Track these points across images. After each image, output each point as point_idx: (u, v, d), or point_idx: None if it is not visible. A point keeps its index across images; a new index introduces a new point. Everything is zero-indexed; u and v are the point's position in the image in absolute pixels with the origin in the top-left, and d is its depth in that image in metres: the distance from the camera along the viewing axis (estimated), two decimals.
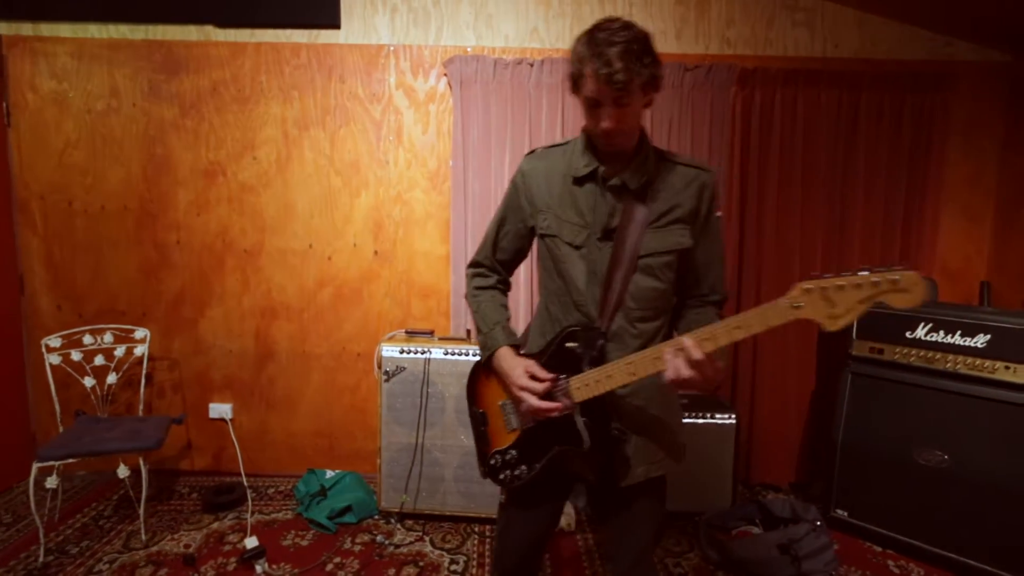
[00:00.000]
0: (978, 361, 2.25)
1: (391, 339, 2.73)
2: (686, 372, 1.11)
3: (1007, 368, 2.19)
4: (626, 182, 1.26)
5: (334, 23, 2.90)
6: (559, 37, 2.95)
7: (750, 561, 2.26)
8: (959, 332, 2.30)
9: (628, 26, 1.16)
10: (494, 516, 2.62)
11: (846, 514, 2.52)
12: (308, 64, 2.93)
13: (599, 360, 1.25)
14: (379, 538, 2.50)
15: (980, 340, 2.25)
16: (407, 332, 2.79)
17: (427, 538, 2.52)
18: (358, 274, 3.02)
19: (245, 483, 2.90)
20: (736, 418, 2.63)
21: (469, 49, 2.91)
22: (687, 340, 1.12)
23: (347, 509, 2.64)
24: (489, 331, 1.40)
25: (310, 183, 2.98)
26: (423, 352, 2.60)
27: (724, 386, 2.96)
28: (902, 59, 2.97)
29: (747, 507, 2.55)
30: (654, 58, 1.18)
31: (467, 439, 2.59)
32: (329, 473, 2.85)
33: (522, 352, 1.37)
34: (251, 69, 2.92)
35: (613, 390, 1.24)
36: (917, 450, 2.35)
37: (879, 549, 2.45)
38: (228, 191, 2.97)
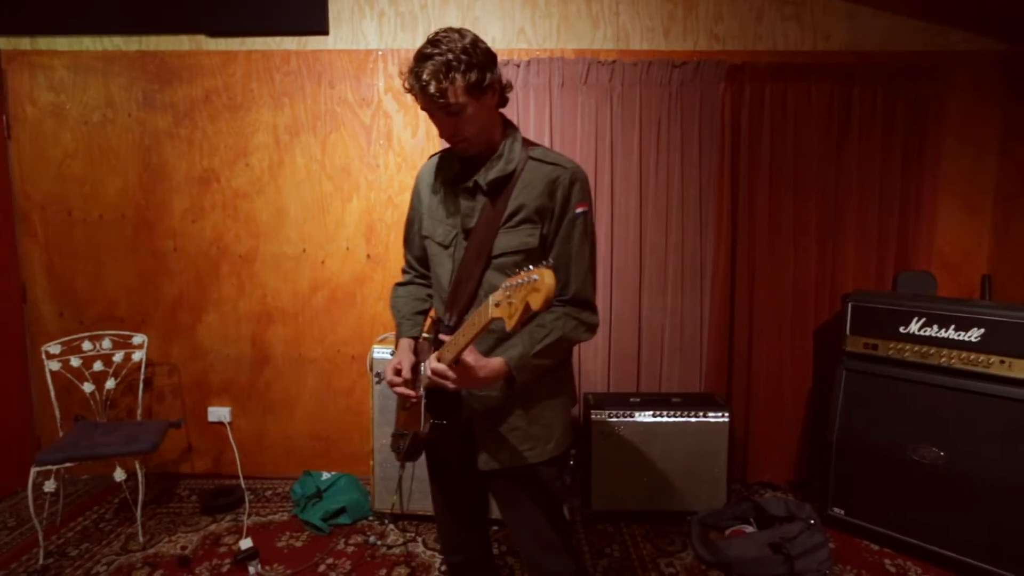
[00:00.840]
0: (972, 356, 2.21)
1: (383, 341, 2.74)
2: (437, 381, 1.21)
3: (1002, 362, 2.15)
4: (478, 183, 1.32)
5: (322, 29, 2.93)
6: (546, 37, 2.96)
7: (742, 560, 2.23)
8: (952, 326, 2.26)
9: (448, 37, 1.22)
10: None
11: (842, 512, 2.48)
12: (298, 71, 2.96)
13: None
14: (372, 539, 2.51)
15: (974, 334, 2.21)
16: None
17: (419, 539, 2.53)
18: (351, 277, 3.04)
19: (243, 485, 2.93)
20: (730, 416, 2.61)
21: None
22: (444, 349, 1.22)
23: (341, 511, 2.66)
24: (398, 324, 1.52)
25: (302, 188, 3.01)
26: None
27: (719, 384, 2.93)
28: (894, 50, 2.93)
29: (741, 506, 2.52)
30: (478, 63, 1.22)
31: None
32: (325, 475, 2.87)
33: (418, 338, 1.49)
34: (242, 77, 2.95)
35: None
36: (912, 446, 2.31)
37: (876, 547, 2.41)
38: (222, 198, 3.01)
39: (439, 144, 2.94)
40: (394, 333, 1.56)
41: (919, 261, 2.92)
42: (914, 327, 2.34)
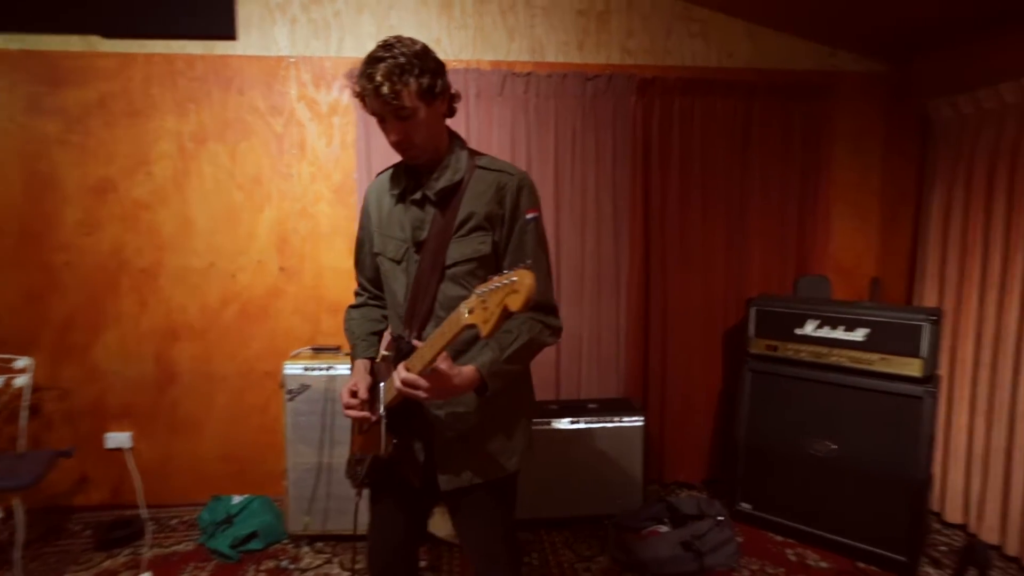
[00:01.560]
0: (859, 354, 2.37)
1: (296, 356, 2.65)
2: (404, 391, 1.17)
3: (883, 359, 2.32)
4: (426, 194, 1.31)
5: (230, 34, 2.82)
6: (463, 48, 2.97)
7: (656, 560, 2.29)
8: (842, 327, 2.42)
9: (400, 42, 1.23)
10: None
11: (750, 507, 2.60)
12: (204, 76, 2.83)
13: None
14: (284, 563, 2.42)
15: (860, 334, 2.38)
16: (313, 349, 2.73)
17: (336, 560, 2.46)
18: (264, 291, 2.93)
19: (145, 515, 2.75)
20: (645, 420, 2.68)
21: None
22: (402, 364, 1.19)
23: (253, 535, 2.54)
24: (353, 346, 1.49)
25: (210, 199, 2.88)
26: (327, 368, 2.54)
27: (636, 389, 3.01)
28: (791, 69, 3.12)
29: (656, 507, 2.59)
30: (431, 68, 1.24)
31: None
32: (236, 499, 2.74)
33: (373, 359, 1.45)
34: (142, 81, 2.80)
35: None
36: (809, 441, 2.45)
37: (780, 539, 2.53)
38: (121, 208, 2.83)
39: (355, 154, 2.89)
40: (331, 347, 1.59)
41: (816, 266, 3.12)
42: (809, 329, 2.49)
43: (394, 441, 1.29)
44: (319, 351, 2.69)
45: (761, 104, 3.04)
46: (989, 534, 2.41)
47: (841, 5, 2.73)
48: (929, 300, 2.75)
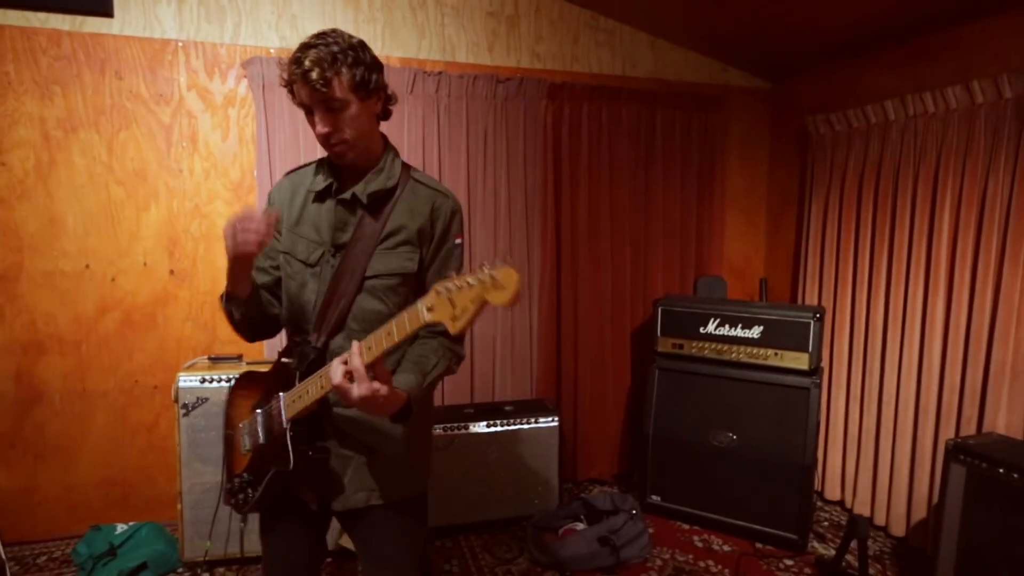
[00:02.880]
0: (755, 350, 2.56)
1: (191, 368, 2.43)
2: (344, 384, 1.04)
3: (776, 355, 2.52)
4: (357, 195, 1.24)
5: (105, 10, 2.53)
6: (370, 42, 2.76)
7: (574, 557, 2.34)
8: (740, 325, 2.60)
9: (335, 33, 1.19)
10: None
11: (659, 499, 2.73)
12: (73, 55, 2.52)
13: (307, 376, 1.19)
14: None
15: (756, 331, 2.57)
16: (211, 358, 2.52)
17: None
18: (151, 297, 2.66)
19: (2, 556, 2.41)
20: (559, 420, 2.73)
21: (272, 50, 2.71)
22: (353, 349, 1.06)
23: (142, 567, 2.30)
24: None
25: (83, 194, 2.57)
26: (228, 380, 2.35)
27: (549, 390, 3.07)
28: (688, 81, 3.31)
29: (572, 505, 2.65)
30: (366, 62, 1.20)
31: None
32: (120, 527, 2.46)
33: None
34: None
35: (332, 409, 1.23)
36: (712, 433, 2.61)
37: (687, 527, 2.68)
38: None
39: (254, 149, 2.70)
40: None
41: (713, 267, 3.33)
42: (711, 327, 2.65)
43: (310, 453, 1.20)
44: (217, 361, 2.48)
45: (662, 113, 3.20)
46: (862, 507, 2.69)
47: (729, 26, 2.94)
48: (811, 298, 3.03)
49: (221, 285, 2.67)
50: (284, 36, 2.74)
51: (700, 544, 2.57)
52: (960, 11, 2.28)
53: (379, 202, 1.25)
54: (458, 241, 1.32)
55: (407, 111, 2.82)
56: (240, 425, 1.34)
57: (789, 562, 2.42)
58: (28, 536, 2.55)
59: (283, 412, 1.20)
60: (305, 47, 1.15)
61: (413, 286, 1.28)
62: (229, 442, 1.37)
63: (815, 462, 2.45)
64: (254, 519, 1.36)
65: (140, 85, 2.60)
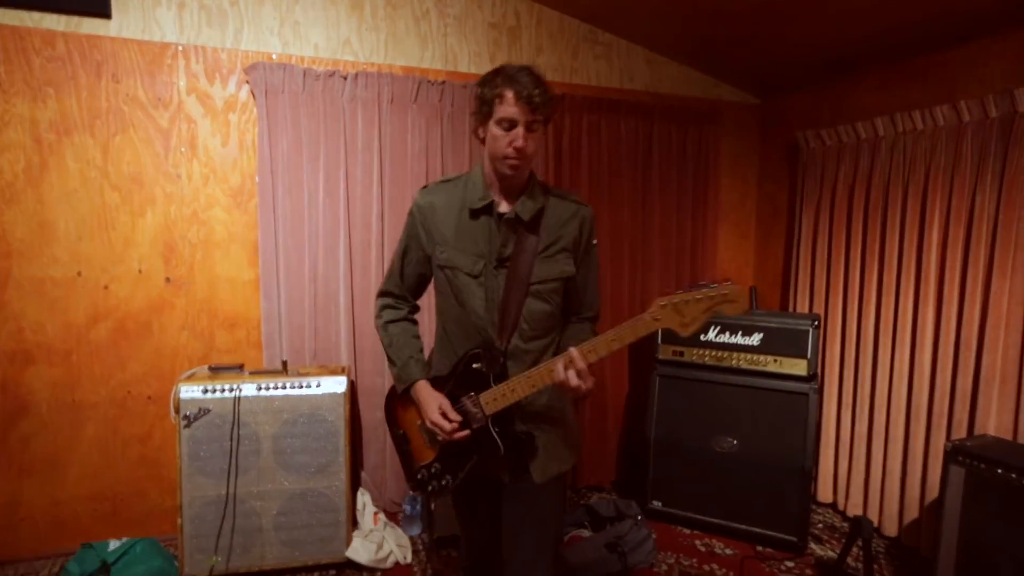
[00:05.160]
0: (754, 357, 2.63)
1: (191, 378, 2.37)
2: (575, 382, 1.30)
3: (775, 361, 2.59)
4: (519, 214, 1.42)
5: (102, 11, 2.47)
6: (373, 51, 2.86)
7: (582, 564, 2.35)
8: (740, 332, 2.67)
9: (530, 67, 1.37)
10: (324, 562, 2.41)
11: (660, 504, 2.76)
12: (68, 57, 2.45)
13: (502, 376, 1.41)
14: None
15: (756, 339, 2.63)
16: (211, 368, 2.46)
17: None
18: (146, 304, 2.59)
19: None
20: None
21: (274, 56, 2.68)
22: (574, 353, 1.30)
23: None
24: (404, 365, 1.53)
25: (76, 198, 2.49)
26: (231, 390, 2.30)
27: None
28: (683, 95, 3.40)
29: (576, 512, 2.66)
30: (554, 98, 1.40)
31: (288, 482, 2.35)
32: (113, 544, 2.37)
33: (432, 375, 1.52)
34: None
35: (519, 403, 1.42)
36: (714, 439, 2.66)
37: (688, 532, 2.72)
38: None
39: (254, 155, 2.66)
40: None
41: (707, 277, 3.40)
42: (712, 335, 2.71)
43: (522, 436, 1.44)
44: (218, 371, 2.43)
45: (659, 126, 3.27)
46: (854, 509, 2.78)
47: (722, 42, 3.04)
48: (802, 307, 3.12)
49: (219, 293, 2.63)
50: (287, 42, 2.72)
51: (703, 548, 2.61)
52: (947, 34, 2.41)
53: (534, 219, 1.44)
54: (595, 242, 1.54)
55: (411, 119, 2.82)
56: (419, 424, 1.53)
57: (790, 564, 2.48)
58: (12, 555, 2.44)
59: (482, 410, 1.41)
60: (519, 70, 1.33)
61: (571, 286, 1.51)
62: (403, 439, 1.58)
63: (814, 466, 2.52)
64: None
65: (138, 89, 2.54)
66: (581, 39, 3.21)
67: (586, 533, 2.58)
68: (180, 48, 2.58)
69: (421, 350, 1.57)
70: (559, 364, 1.32)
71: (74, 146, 2.48)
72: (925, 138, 2.52)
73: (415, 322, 1.65)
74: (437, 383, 1.50)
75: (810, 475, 2.48)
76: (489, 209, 1.44)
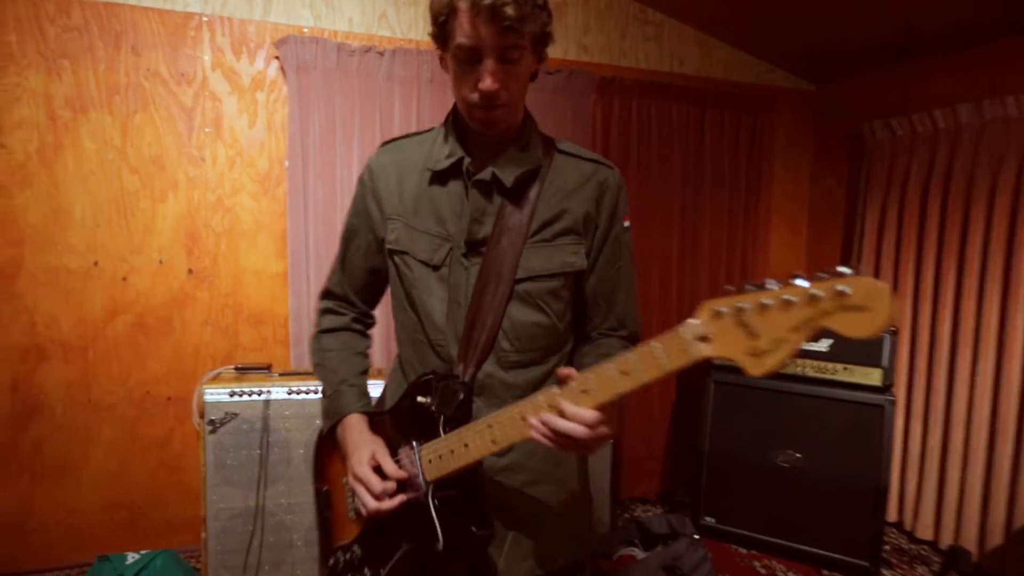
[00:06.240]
0: (822, 364, 2.43)
1: (216, 379, 2.19)
2: (566, 436, 0.81)
3: (845, 369, 2.39)
4: (499, 176, 0.97)
5: None
6: (411, 26, 2.65)
7: None
8: None
9: None
10: None
11: (714, 521, 2.57)
12: (84, 27, 2.25)
13: (460, 421, 0.94)
14: None
15: (824, 344, 2.43)
16: (237, 368, 2.27)
17: None
18: (166, 298, 2.40)
19: None
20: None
21: (306, 30, 2.47)
22: (559, 396, 0.82)
23: None
24: (334, 393, 1.07)
25: (92, 181, 2.30)
26: (260, 393, 2.11)
27: None
28: (735, 80, 3.17)
29: (626, 529, 2.47)
30: (549, 12, 0.94)
31: None
32: (131, 556, 2.19)
33: (373, 409, 1.08)
34: None
35: (480, 463, 0.93)
36: (775, 452, 2.47)
37: (744, 551, 2.54)
38: None
39: (283, 137, 2.46)
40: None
41: (757, 275, 3.20)
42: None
43: (472, 528, 0.94)
44: (245, 371, 2.24)
45: (710, 113, 3.05)
46: (924, 531, 2.58)
47: (777, 24, 2.82)
48: None
49: (244, 287, 2.43)
50: (319, 15, 2.51)
51: (763, 570, 2.42)
52: None
53: (523, 184, 0.99)
54: (627, 224, 1.07)
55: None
56: (344, 481, 1.06)
57: None
58: (23, 566, 2.27)
59: (421, 472, 0.94)
60: None
61: (580, 288, 1.05)
62: (325, 500, 1.09)
63: (888, 484, 2.33)
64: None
65: (159, 63, 2.34)
66: (631, 19, 2.99)
67: (637, 551, 2.40)
68: (205, 19, 2.37)
69: (364, 373, 1.12)
70: (531, 410, 0.84)
71: (91, 124, 2.28)
72: (1018, 127, 2.30)
73: (363, 334, 1.18)
74: (378, 422, 1.05)
75: (884, 495, 2.29)
76: (458, 170, 0.99)
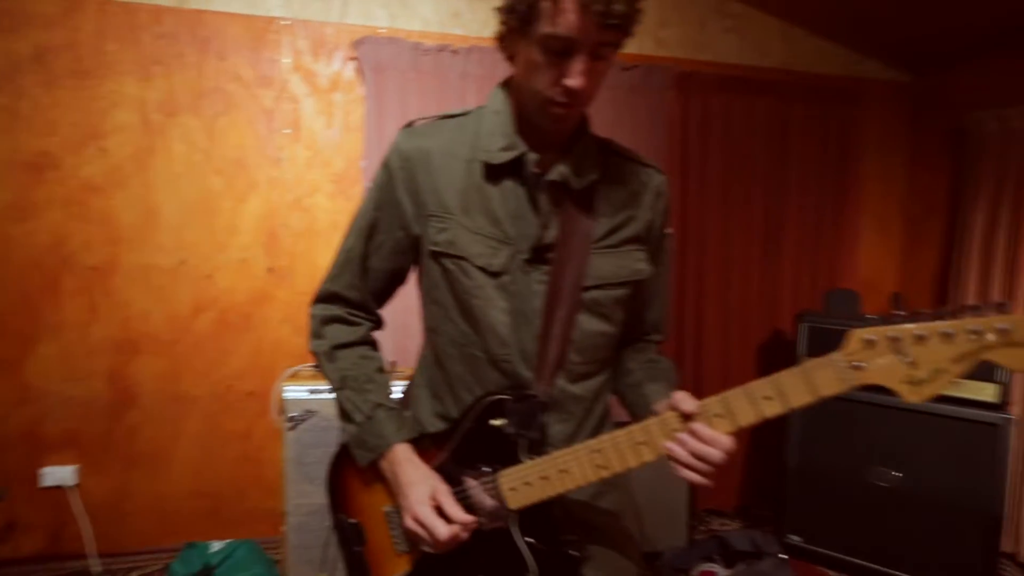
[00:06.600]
0: None
1: (295, 376, 2.23)
2: (700, 466, 0.79)
3: (954, 383, 2.19)
4: (568, 179, 0.90)
5: None
6: (485, 24, 2.61)
7: None
8: None
9: None
10: None
11: (801, 540, 2.42)
12: (175, 34, 2.33)
13: (541, 445, 0.88)
14: None
15: None
16: (315, 366, 2.30)
17: None
18: (248, 296, 2.46)
19: (97, 568, 2.24)
20: None
21: (382, 30, 2.48)
22: (698, 424, 0.79)
23: None
24: (370, 418, 0.94)
25: (181, 183, 2.38)
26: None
27: None
28: (821, 73, 2.99)
29: (706, 543, 2.37)
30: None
31: None
32: (215, 545, 2.28)
33: (416, 434, 0.96)
34: (94, 34, 2.26)
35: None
36: (871, 470, 2.30)
37: (833, 574, 2.38)
38: (65, 191, 2.29)
39: (359, 138, 2.48)
40: (349, 428, 0.96)
41: (844, 279, 3.00)
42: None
43: (568, 552, 0.89)
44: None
45: (796, 108, 2.89)
46: None
47: (869, 10, 2.62)
48: None
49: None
50: (394, 15, 2.52)
51: None
52: None
53: (590, 186, 0.93)
54: (669, 231, 1.04)
55: None
56: (385, 511, 0.96)
57: None
58: (120, 547, 2.38)
59: (503, 501, 0.87)
60: None
61: (640, 297, 1.02)
62: (354, 534, 0.99)
63: (1004, 511, 2.13)
64: None
65: (243, 66, 2.40)
66: (710, 10, 2.86)
67: (718, 569, 2.29)
68: (286, 23, 2.42)
69: (391, 393, 0.99)
70: (663, 436, 0.80)
71: (180, 127, 2.37)
72: None
73: (376, 347, 1.05)
74: (425, 448, 0.94)
75: (998, 523, 2.09)
76: (518, 167, 0.91)
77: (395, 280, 1.04)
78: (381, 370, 1.01)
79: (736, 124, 2.79)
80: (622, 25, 0.80)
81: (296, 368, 2.33)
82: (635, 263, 0.97)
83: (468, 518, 0.86)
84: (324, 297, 1.03)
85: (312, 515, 2.13)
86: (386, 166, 0.97)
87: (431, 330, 1.02)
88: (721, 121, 2.78)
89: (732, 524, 2.76)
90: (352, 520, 1.00)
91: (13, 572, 2.27)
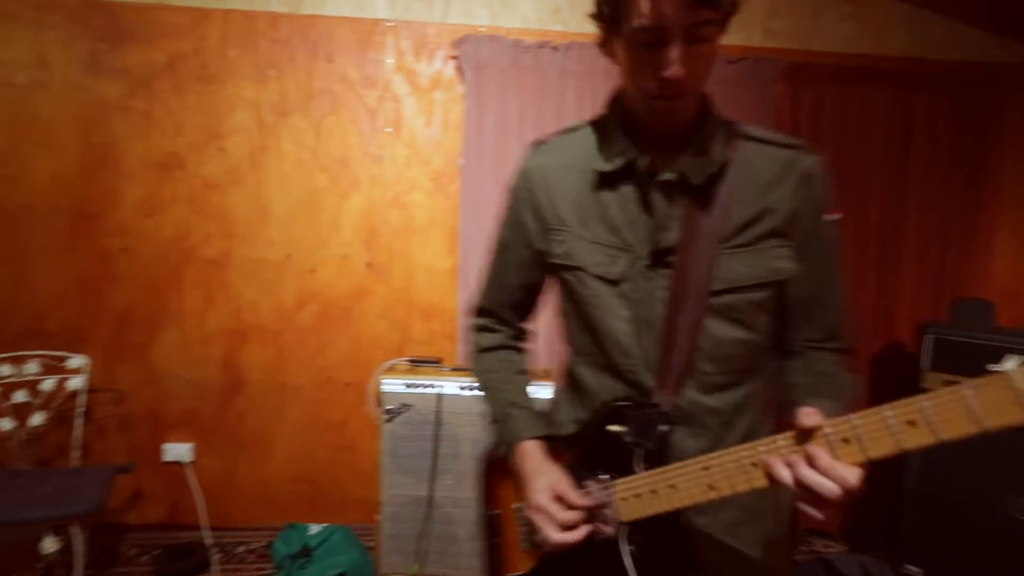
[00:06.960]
0: None
1: (391, 370, 2.28)
2: (809, 498, 0.70)
3: None
4: (686, 175, 0.85)
5: None
6: (584, 21, 2.53)
7: None
8: None
9: None
10: None
11: (922, 572, 2.22)
12: (288, 38, 2.45)
13: (659, 456, 0.84)
14: None
15: None
16: (410, 361, 2.35)
17: None
18: (347, 290, 2.55)
19: (208, 539, 2.40)
20: None
21: (483, 28, 2.49)
22: (816, 448, 0.69)
23: None
24: (503, 415, 0.99)
25: (289, 181, 2.50)
26: (432, 386, 2.17)
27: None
28: (951, 60, 2.72)
29: (811, 567, 2.22)
30: None
31: None
32: (313, 528, 2.37)
33: (550, 433, 0.98)
34: (218, 42, 2.41)
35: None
36: (1007, 500, 2.07)
37: None
38: (188, 188, 2.46)
39: (457, 136, 2.50)
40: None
41: (975, 288, 2.72)
42: (1010, 366, 2.10)
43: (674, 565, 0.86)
44: (418, 364, 2.32)
45: (921, 98, 2.64)
46: None
47: None
48: None
49: (416, 282, 2.47)
50: (495, 14, 2.52)
51: None
52: None
53: (712, 181, 0.86)
54: (834, 216, 0.91)
55: None
56: (515, 507, 0.98)
57: None
58: (228, 523, 2.54)
59: (616, 510, 0.85)
60: None
61: (786, 293, 0.90)
62: (493, 526, 1.01)
63: None
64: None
65: (349, 68, 2.48)
66: None
67: None
68: (390, 24, 2.48)
69: (527, 394, 1.03)
70: (774, 457, 0.72)
71: (290, 128, 2.48)
72: None
73: (520, 350, 1.10)
74: (558, 447, 0.95)
75: None
76: (630, 171, 0.88)
77: (531, 292, 1.07)
78: (522, 372, 1.06)
79: (851, 118, 2.59)
80: (713, 5, 0.75)
81: (392, 362, 2.39)
82: (774, 261, 0.87)
83: (589, 501, 0.85)
84: (474, 310, 1.12)
85: (406, 506, 2.17)
86: (512, 188, 1.02)
87: (565, 341, 1.03)
88: (834, 115, 2.59)
89: (836, 546, 2.57)
90: (494, 511, 1.03)
91: (140, 537, 2.47)
